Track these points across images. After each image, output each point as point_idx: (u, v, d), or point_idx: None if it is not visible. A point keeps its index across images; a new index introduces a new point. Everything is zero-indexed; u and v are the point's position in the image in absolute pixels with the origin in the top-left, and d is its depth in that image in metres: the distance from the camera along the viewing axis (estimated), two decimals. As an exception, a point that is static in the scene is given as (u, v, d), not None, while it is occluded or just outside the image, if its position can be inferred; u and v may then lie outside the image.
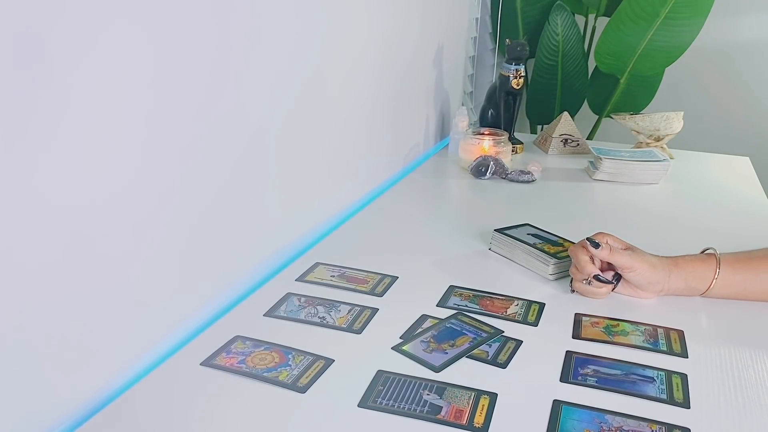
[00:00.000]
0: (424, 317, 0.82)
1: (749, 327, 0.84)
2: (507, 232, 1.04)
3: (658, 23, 1.94)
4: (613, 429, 0.63)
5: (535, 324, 0.82)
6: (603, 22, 2.08)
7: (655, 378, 0.71)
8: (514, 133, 1.70)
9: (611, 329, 0.81)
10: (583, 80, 2.13)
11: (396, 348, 0.75)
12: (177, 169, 0.75)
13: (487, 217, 1.20)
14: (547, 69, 2.10)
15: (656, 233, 1.16)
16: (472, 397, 0.67)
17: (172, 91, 0.72)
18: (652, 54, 2.00)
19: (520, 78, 1.61)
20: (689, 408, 0.67)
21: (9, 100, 0.52)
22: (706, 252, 0.90)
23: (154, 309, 0.74)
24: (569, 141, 1.70)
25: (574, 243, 0.93)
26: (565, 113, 1.73)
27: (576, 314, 0.85)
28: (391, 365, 0.72)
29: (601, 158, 1.47)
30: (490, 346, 0.77)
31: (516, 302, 0.87)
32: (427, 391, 0.67)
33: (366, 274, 0.94)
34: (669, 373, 0.72)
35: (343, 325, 0.80)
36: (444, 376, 0.71)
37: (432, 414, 0.64)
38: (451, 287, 0.91)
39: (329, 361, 0.72)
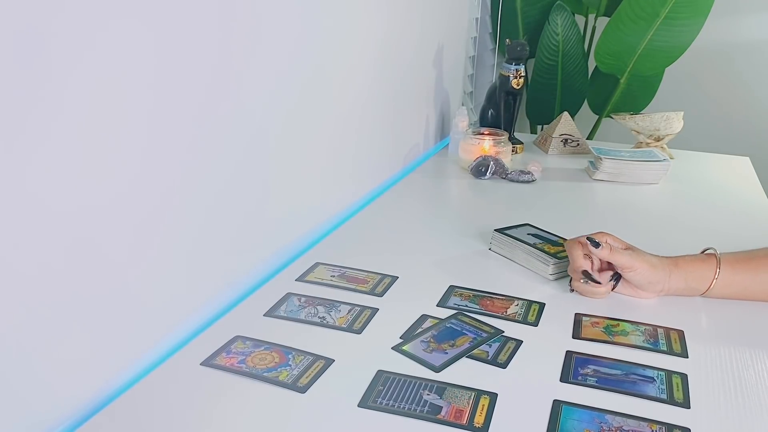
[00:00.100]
0: (424, 317, 0.82)
1: (749, 327, 0.84)
2: (507, 232, 1.04)
3: (658, 23, 1.94)
4: (613, 429, 0.63)
5: (535, 324, 0.82)
6: (603, 22, 2.08)
7: (655, 378, 0.71)
8: (514, 133, 1.70)
9: (611, 329, 0.81)
10: (583, 80, 2.13)
11: (396, 348, 0.75)
12: (177, 170, 0.75)
13: (487, 217, 1.20)
14: (547, 69, 2.10)
15: (656, 233, 1.16)
16: (472, 397, 0.67)
17: (173, 92, 0.72)
18: (652, 54, 2.00)
19: (520, 78, 1.61)
20: (689, 408, 0.67)
21: (9, 101, 0.52)
22: (706, 252, 0.90)
23: (154, 309, 0.74)
24: (569, 141, 1.70)
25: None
26: (565, 113, 1.73)
27: (576, 314, 0.85)
28: (391, 365, 0.72)
29: (601, 158, 1.47)
30: (490, 346, 0.77)
31: (516, 302, 0.87)
32: (427, 391, 0.67)
33: (366, 274, 0.94)
34: (669, 373, 0.72)
35: (343, 325, 0.80)
36: (444, 376, 0.71)
37: (432, 414, 0.64)
38: (451, 287, 0.91)
39: (329, 361, 0.72)
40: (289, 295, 0.87)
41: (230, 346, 0.74)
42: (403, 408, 0.65)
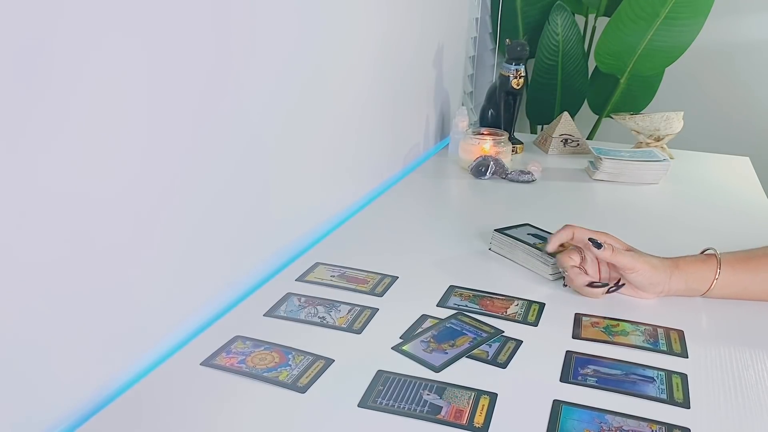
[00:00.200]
0: (424, 317, 0.82)
1: (749, 327, 0.84)
2: (507, 232, 1.04)
3: (658, 23, 1.94)
4: (613, 429, 0.63)
5: (535, 324, 0.82)
6: (603, 22, 2.08)
7: (655, 378, 0.71)
8: (514, 133, 1.70)
9: (611, 329, 0.81)
10: (583, 80, 2.14)
11: (396, 348, 0.75)
12: (177, 170, 0.75)
13: (487, 217, 1.20)
14: (547, 69, 2.10)
15: (656, 233, 1.16)
16: (472, 397, 0.67)
17: (173, 92, 0.72)
18: (652, 54, 2.00)
19: (520, 78, 1.61)
20: (689, 408, 0.67)
21: (12, 100, 0.52)
22: (706, 252, 0.90)
23: (155, 309, 0.74)
24: (569, 141, 1.70)
25: (574, 245, 0.93)
26: (565, 113, 1.73)
27: (576, 314, 0.85)
28: (391, 365, 0.72)
29: (601, 158, 1.47)
30: (490, 346, 0.77)
31: (516, 302, 0.87)
32: (427, 391, 0.67)
33: (366, 274, 0.94)
34: (669, 373, 0.72)
35: (343, 325, 0.80)
36: (444, 376, 0.71)
37: (432, 414, 0.64)
38: (451, 287, 0.91)
39: (329, 361, 0.72)
40: (289, 295, 0.87)
41: (230, 346, 0.74)
42: (403, 408, 0.65)
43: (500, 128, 1.62)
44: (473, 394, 0.67)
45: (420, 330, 0.79)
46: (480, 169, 1.44)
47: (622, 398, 0.68)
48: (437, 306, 0.86)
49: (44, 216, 0.58)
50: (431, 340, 0.77)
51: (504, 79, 1.62)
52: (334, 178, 1.18)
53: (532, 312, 0.85)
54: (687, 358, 0.76)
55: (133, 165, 0.68)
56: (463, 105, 1.94)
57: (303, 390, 0.67)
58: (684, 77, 2.29)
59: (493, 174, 1.44)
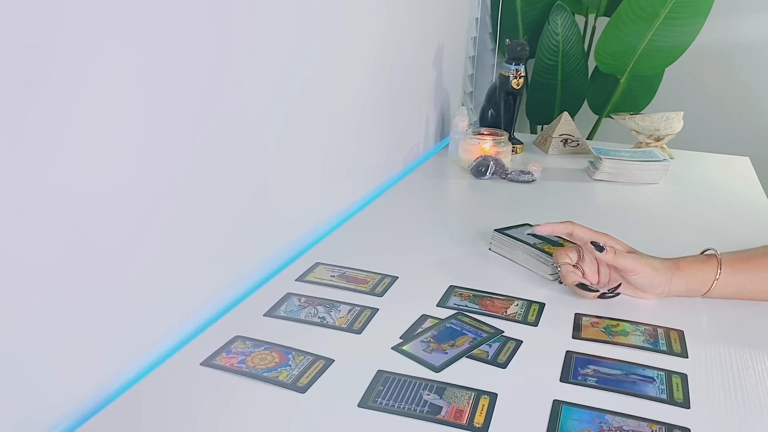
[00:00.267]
0: (424, 317, 0.82)
1: (749, 327, 0.84)
2: (507, 232, 1.04)
3: (658, 23, 1.94)
4: (613, 429, 0.63)
5: (535, 324, 0.82)
6: (603, 22, 2.08)
7: (655, 378, 0.71)
8: (514, 133, 1.70)
9: (611, 329, 0.81)
10: (583, 80, 2.14)
11: (396, 348, 0.75)
12: (177, 169, 0.75)
13: (487, 217, 1.20)
14: (547, 69, 2.10)
15: (656, 233, 1.16)
16: (472, 397, 0.67)
17: (172, 92, 0.72)
18: (652, 54, 2.01)
19: (520, 78, 1.61)
20: (689, 408, 0.67)
21: (12, 100, 0.52)
22: (706, 253, 0.90)
23: (154, 309, 0.74)
24: (569, 141, 1.70)
25: (573, 243, 0.92)
26: (565, 113, 1.73)
27: (576, 314, 0.85)
28: (391, 365, 0.72)
29: (601, 158, 1.47)
30: (490, 346, 0.77)
31: (516, 302, 0.87)
32: (427, 391, 0.67)
33: (366, 274, 0.94)
34: (669, 373, 0.72)
35: (343, 325, 0.80)
36: (444, 376, 0.71)
37: (432, 414, 0.64)
38: (451, 287, 0.91)
39: (329, 361, 0.72)
40: (289, 295, 0.87)
41: (230, 346, 0.74)
42: (403, 408, 0.65)
43: (500, 128, 1.62)
44: (473, 394, 0.67)
45: (420, 330, 0.79)
46: (480, 169, 1.44)
47: (622, 398, 0.68)
48: (437, 306, 0.86)
49: (44, 215, 0.58)
50: (431, 340, 0.77)
51: (504, 79, 1.62)
52: (334, 178, 1.18)
53: (532, 312, 0.85)
54: (687, 358, 0.76)
55: (133, 164, 0.68)
56: (463, 105, 1.94)
57: (303, 390, 0.67)
58: (684, 77, 2.29)
59: (493, 174, 1.44)
